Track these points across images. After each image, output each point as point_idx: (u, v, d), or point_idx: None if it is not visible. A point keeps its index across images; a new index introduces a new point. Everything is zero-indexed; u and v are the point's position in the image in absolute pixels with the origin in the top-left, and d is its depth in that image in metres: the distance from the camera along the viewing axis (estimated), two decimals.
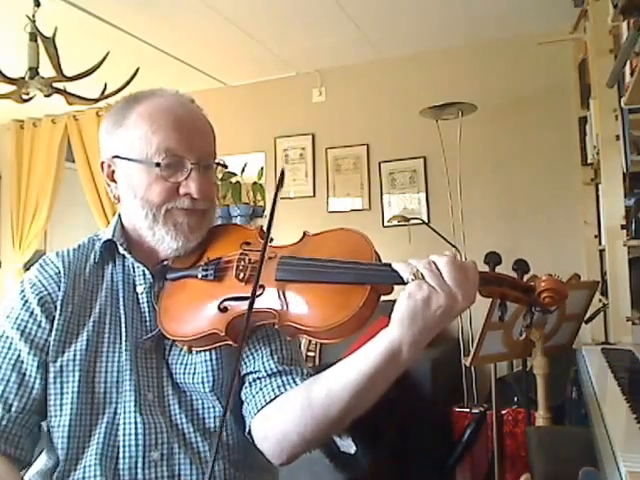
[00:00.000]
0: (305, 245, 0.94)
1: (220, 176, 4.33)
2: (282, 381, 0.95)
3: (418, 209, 3.68)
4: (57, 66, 2.63)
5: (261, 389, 0.95)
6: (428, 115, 3.23)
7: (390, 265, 0.83)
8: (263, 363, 0.96)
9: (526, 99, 3.45)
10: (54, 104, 3.31)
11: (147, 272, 1.01)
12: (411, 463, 2.66)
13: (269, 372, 0.96)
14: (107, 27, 3.19)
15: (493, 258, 0.87)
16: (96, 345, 0.96)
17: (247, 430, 0.95)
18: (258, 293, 0.86)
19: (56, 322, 0.95)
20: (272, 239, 0.91)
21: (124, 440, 0.92)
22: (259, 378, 0.96)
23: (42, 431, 0.96)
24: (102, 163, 1.03)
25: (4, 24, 3.05)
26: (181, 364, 0.97)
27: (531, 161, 3.43)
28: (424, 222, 3.38)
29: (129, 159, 0.98)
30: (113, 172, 1.02)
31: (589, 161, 2.82)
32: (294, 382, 0.95)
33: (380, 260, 0.87)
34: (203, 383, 0.95)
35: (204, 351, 0.95)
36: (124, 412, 0.93)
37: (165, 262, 1.02)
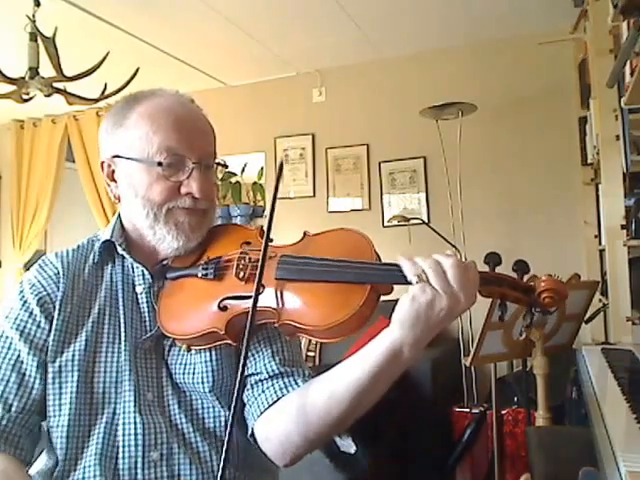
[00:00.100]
0: (305, 245, 0.94)
1: (220, 176, 4.33)
2: (284, 383, 0.95)
3: (418, 209, 3.68)
4: (57, 66, 2.63)
5: (263, 391, 0.95)
6: (428, 115, 3.23)
7: (391, 264, 0.83)
8: (265, 365, 0.96)
9: (526, 99, 3.45)
10: (54, 104, 3.31)
11: (146, 272, 1.01)
12: (411, 463, 2.66)
13: (271, 374, 0.96)
14: (107, 27, 3.19)
15: (493, 258, 0.87)
16: (95, 345, 0.96)
17: (250, 432, 0.95)
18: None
19: (55, 322, 0.96)
20: (272, 239, 0.91)
21: (124, 440, 0.92)
22: (261, 380, 0.96)
23: (42, 431, 0.96)
24: (102, 163, 1.03)
25: (4, 24, 3.05)
26: (181, 364, 0.97)
27: (531, 161, 3.43)
28: (424, 222, 3.38)
29: (130, 158, 0.98)
30: (113, 172, 1.02)
31: (589, 161, 2.82)
32: (296, 384, 0.95)
33: (380, 260, 0.87)
34: (203, 383, 0.95)
35: (203, 350, 0.95)
36: (123, 412, 0.93)
37: (165, 262, 1.02)
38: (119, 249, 1.02)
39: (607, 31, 2.05)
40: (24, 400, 0.93)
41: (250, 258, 0.94)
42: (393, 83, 3.81)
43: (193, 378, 0.96)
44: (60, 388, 0.93)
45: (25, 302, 0.97)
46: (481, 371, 3.13)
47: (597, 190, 2.84)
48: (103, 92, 2.86)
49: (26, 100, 2.78)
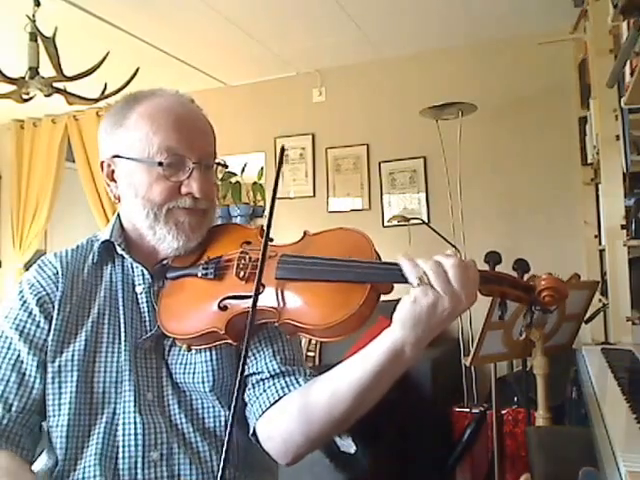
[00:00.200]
0: (305, 244, 0.94)
1: (220, 176, 4.32)
2: (285, 382, 0.95)
3: (418, 209, 3.68)
4: (57, 66, 2.63)
5: (265, 391, 0.95)
6: (428, 115, 3.23)
7: (391, 263, 0.83)
8: (266, 364, 0.96)
9: (526, 99, 3.45)
10: (54, 104, 3.31)
11: (146, 272, 1.01)
12: (411, 463, 2.66)
13: (272, 373, 0.96)
14: (107, 27, 3.19)
15: (493, 257, 0.87)
16: (95, 345, 0.96)
17: (251, 432, 0.95)
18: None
19: (54, 322, 0.96)
20: (272, 239, 0.91)
21: (123, 440, 0.92)
22: (262, 379, 0.96)
23: (43, 431, 0.96)
24: (102, 163, 1.03)
25: (4, 24, 3.05)
26: (181, 364, 0.97)
27: (531, 161, 3.43)
28: (424, 222, 3.38)
29: (130, 158, 0.98)
30: (113, 172, 1.02)
31: (589, 161, 2.82)
32: (297, 383, 0.95)
33: (380, 259, 0.87)
34: (203, 383, 0.95)
35: (203, 350, 0.95)
36: (123, 412, 0.93)
37: (165, 262, 1.02)
38: (118, 249, 1.02)
39: (607, 31, 2.05)
40: (24, 400, 0.93)
41: (250, 258, 0.94)
42: (393, 83, 3.81)
43: (193, 378, 0.96)
44: (60, 388, 0.93)
45: (24, 302, 0.97)
46: (481, 371, 3.13)
47: (597, 190, 2.84)
48: (103, 92, 2.86)
49: (26, 100, 2.78)
